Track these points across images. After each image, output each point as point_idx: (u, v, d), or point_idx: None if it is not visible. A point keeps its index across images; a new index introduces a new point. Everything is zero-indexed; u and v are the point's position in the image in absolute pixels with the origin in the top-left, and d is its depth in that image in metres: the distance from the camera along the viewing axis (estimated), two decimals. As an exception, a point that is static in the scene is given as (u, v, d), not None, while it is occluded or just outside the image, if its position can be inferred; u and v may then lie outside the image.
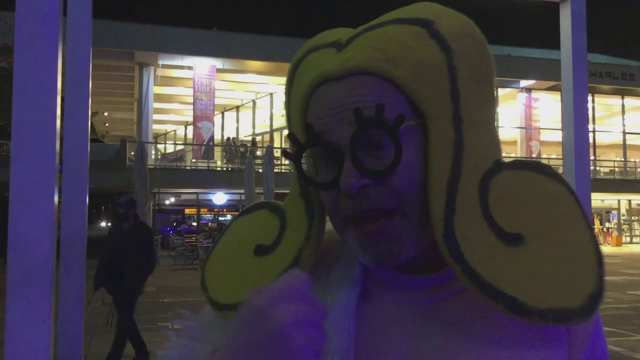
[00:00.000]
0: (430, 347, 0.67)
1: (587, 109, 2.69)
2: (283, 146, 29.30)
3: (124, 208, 6.20)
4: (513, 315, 0.63)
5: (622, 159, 31.75)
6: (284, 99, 0.79)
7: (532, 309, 0.62)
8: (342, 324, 0.68)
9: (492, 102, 0.72)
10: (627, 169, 31.59)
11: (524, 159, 0.73)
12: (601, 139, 33.18)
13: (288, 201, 0.79)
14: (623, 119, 31.74)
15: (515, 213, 0.67)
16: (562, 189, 0.70)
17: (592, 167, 25.85)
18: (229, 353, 0.56)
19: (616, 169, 32.08)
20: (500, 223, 0.66)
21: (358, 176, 0.64)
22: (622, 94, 30.69)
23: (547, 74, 26.10)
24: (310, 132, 0.68)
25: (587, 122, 2.61)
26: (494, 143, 0.71)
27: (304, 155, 0.70)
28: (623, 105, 31.40)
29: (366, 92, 0.66)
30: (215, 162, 25.19)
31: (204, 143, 24.15)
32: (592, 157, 27.39)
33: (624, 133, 32.00)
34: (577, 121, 2.63)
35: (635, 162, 32.69)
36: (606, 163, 33.06)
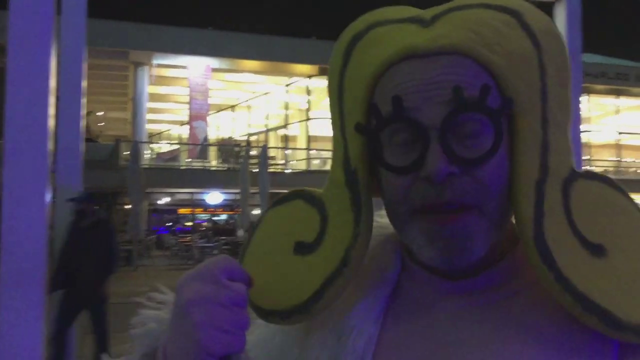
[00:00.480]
0: (456, 354, 0.63)
1: (580, 109, 2.70)
2: (280, 145, 29.30)
3: (83, 204, 5.42)
4: (606, 329, 0.59)
5: (616, 159, 31.88)
6: (328, 78, 0.70)
7: (625, 324, 0.58)
8: (361, 325, 0.66)
9: (569, 107, 0.68)
10: (621, 168, 31.72)
11: (594, 171, 0.70)
12: (595, 138, 33.32)
13: (328, 191, 0.71)
14: (617, 118, 31.87)
15: (595, 223, 0.64)
16: (631, 206, 0.67)
17: (586, 167, 25.80)
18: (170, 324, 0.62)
19: (610, 169, 32.20)
20: (583, 231, 0.63)
21: (447, 162, 0.59)
22: (617, 93, 30.82)
23: (542, 74, 26.08)
24: (398, 105, 0.61)
25: (580, 122, 2.63)
26: (570, 149, 0.67)
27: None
28: (617, 105, 31.53)
29: (464, 71, 0.61)
30: (210, 162, 25.15)
31: (200, 143, 24.11)
32: (586, 157, 27.54)
33: (618, 133, 32.14)
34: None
35: (629, 162, 32.83)
36: (600, 163, 33.19)
